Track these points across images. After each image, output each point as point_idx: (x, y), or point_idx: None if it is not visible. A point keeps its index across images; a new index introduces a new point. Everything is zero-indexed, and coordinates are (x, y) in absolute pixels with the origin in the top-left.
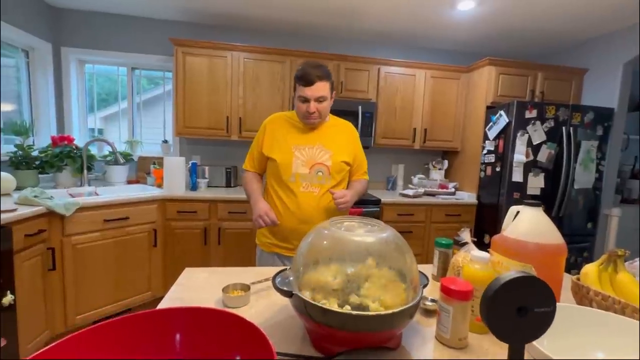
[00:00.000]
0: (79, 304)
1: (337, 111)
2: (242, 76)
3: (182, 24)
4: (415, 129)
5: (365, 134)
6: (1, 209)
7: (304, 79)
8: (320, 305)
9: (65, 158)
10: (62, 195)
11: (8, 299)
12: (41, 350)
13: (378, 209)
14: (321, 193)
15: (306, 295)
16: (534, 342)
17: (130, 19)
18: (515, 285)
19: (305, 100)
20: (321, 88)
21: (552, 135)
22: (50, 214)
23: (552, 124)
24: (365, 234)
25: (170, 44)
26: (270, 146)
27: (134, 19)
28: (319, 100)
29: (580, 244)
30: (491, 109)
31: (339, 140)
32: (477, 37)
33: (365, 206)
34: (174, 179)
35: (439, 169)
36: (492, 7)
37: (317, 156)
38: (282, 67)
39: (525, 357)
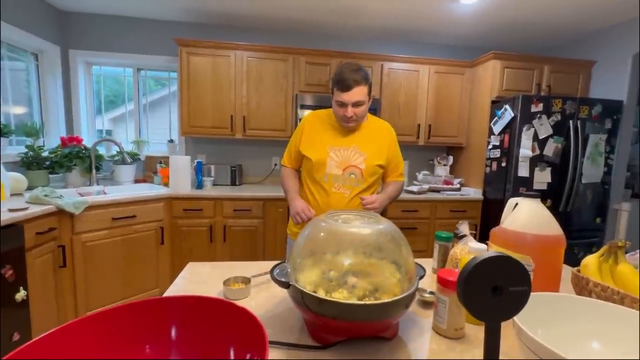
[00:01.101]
0: (89, 300)
1: None
2: (245, 75)
3: (186, 24)
4: (419, 125)
5: None
6: (13, 209)
7: (341, 84)
8: (317, 295)
9: (74, 158)
10: (72, 194)
11: (21, 294)
12: (37, 338)
13: None
14: (351, 195)
15: (303, 285)
16: (527, 330)
17: (136, 21)
18: (489, 265)
19: (343, 104)
20: (358, 93)
21: (559, 129)
22: (60, 213)
23: (559, 117)
24: (361, 225)
25: (175, 45)
26: (306, 144)
27: (139, 20)
28: (357, 104)
29: (589, 239)
30: (496, 104)
31: (375, 142)
32: (481, 31)
33: None
34: (180, 178)
35: (444, 165)
36: (495, 1)
37: (352, 158)
38: (285, 65)
39: (519, 347)
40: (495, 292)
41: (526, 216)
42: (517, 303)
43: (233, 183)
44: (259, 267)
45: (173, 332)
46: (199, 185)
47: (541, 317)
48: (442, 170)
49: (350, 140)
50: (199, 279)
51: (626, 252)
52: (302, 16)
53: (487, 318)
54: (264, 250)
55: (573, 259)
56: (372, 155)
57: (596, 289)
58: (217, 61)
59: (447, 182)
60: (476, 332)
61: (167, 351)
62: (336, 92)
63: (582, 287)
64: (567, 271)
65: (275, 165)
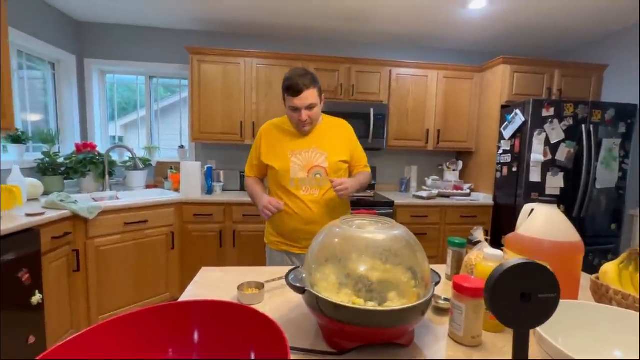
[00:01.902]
0: (101, 304)
1: (348, 113)
2: (255, 82)
3: (197, 33)
4: (428, 130)
5: (378, 136)
6: (30, 213)
7: (292, 89)
8: (332, 300)
9: (88, 164)
10: (86, 199)
11: (37, 298)
12: (62, 342)
13: (391, 210)
14: (321, 194)
15: (318, 291)
16: (549, 338)
17: (148, 30)
18: (518, 272)
19: (296, 109)
20: (309, 96)
21: (571, 134)
22: (74, 218)
23: (571, 122)
24: (376, 231)
25: (186, 53)
26: (267, 154)
27: (151, 29)
28: (309, 107)
29: (604, 245)
30: (506, 108)
31: (334, 140)
32: (490, 35)
33: (378, 208)
34: (191, 183)
35: (453, 170)
36: (504, 5)
37: (314, 159)
38: None
39: (540, 355)
40: (523, 298)
41: (543, 222)
42: (546, 310)
43: (242, 188)
44: (272, 273)
45: (195, 335)
46: (209, 190)
47: (562, 325)
48: (451, 176)
49: (309, 141)
50: (212, 284)
51: None
52: (310, 23)
53: (515, 325)
54: None
55: (588, 266)
56: (333, 153)
57: (617, 296)
58: (227, 68)
59: (456, 188)
60: (493, 339)
61: (190, 354)
62: (288, 98)
63: (602, 294)
64: (584, 278)
65: None
